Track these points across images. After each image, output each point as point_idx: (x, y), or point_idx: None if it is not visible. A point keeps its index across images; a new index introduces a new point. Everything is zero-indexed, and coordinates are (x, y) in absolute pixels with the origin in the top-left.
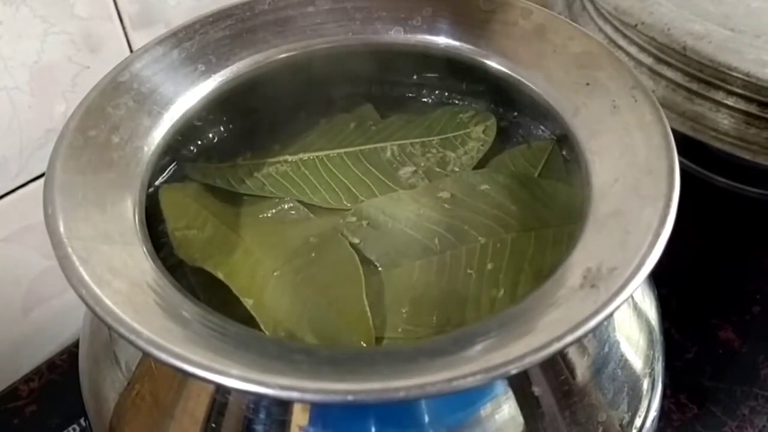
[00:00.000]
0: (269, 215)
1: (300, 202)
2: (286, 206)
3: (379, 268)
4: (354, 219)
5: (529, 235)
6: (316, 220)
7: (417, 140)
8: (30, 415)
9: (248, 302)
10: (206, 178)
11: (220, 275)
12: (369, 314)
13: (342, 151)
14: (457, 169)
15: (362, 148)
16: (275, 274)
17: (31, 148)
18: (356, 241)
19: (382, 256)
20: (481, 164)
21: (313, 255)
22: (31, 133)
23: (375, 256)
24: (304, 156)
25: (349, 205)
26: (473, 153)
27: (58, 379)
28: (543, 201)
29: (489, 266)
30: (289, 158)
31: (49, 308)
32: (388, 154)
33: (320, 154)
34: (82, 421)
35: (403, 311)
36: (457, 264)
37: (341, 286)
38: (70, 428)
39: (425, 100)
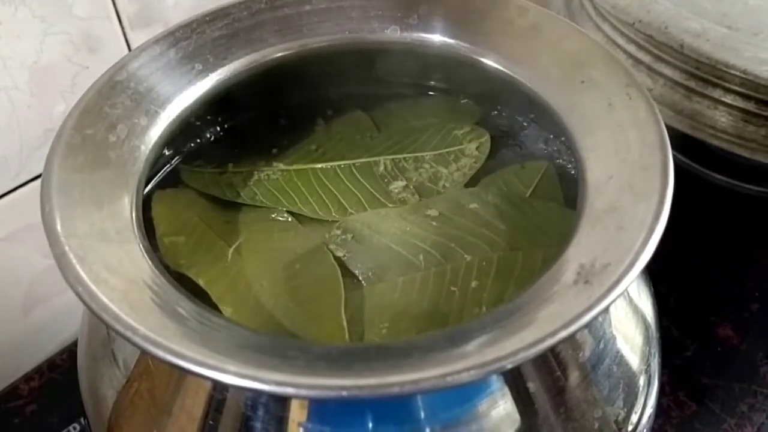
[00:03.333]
0: (259, 224)
1: (290, 212)
2: (276, 216)
3: (363, 283)
4: (339, 232)
5: (516, 254)
6: (304, 232)
7: (410, 155)
8: (30, 414)
9: (227, 311)
10: (199, 185)
11: (201, 282)
12: (346, 329)
13: (336, 164)
14: (448, 185)
15: (356, 161)
16: (260, 284)
17: (30, 148)
18: (340, 254)
19: (365, 270)
20: (473, 181)
21: (297, 267)
22: (31, 133)
23: (358, 271)
24: (298, 167)
25: (338, 216)
26: (466, 170)
27: (59, 378)
28: (533, 220)
29: (473, 284)
30: (283, 167)
31: (50, 307)
32: (381, 168)
33: (314, 166)
34: (82, 420)
35: (383, 327)
36: (440, 281)
37: (321, 300)
38: (70, 427)
39: (421, 96)
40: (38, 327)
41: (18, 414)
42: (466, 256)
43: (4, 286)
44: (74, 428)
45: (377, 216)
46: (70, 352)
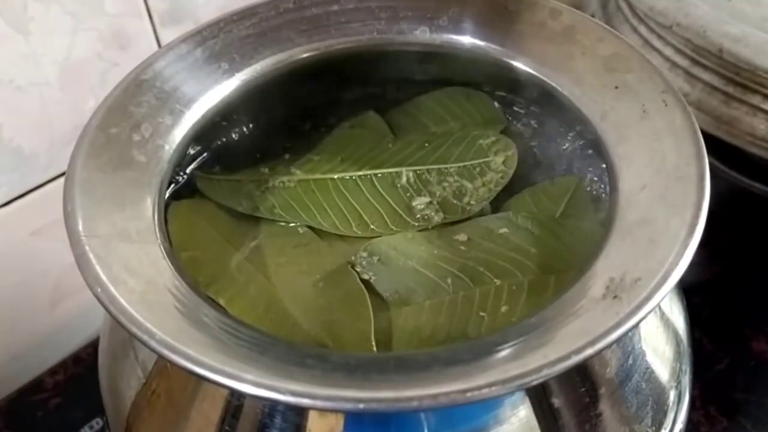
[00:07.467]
0: (279, 239)
1: (309, 227)
2: (296, 230)
3: (389, 306)
4: (365, 255)
5: (548, 278)
6: (325, 248)
7: (434, 167)
8: (54, 408)
9: None
10: (217, 195)
11: (222, 302)
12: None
13: (356, 174)
14: (473, 202)
15: (377, 171)
16: (279, 302)
17: (60, 143)
18: (366, 277)
19: (391, 293)
20: (499, 197)
21: (321, 285)
22: (61, 129)
23: (384, 293)
24: (318, 176)
25: (359, 232)
26: (491, 185)
27: (83, 372)
28: (565, 242)
29: (503, 309)
30: (301, 176)
31: (77, 302)
32: (404, 180)
33: (334, 176)
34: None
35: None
36: (468, 306)
37: (348, 324)
38: (93, 422)
39: (442, 95)
40: (65, 321)
41: (42, 407)
42: (495, 280)
43: (32, 279)
44: (97, 423)
45: (404, 239)
46: (95, 346)
